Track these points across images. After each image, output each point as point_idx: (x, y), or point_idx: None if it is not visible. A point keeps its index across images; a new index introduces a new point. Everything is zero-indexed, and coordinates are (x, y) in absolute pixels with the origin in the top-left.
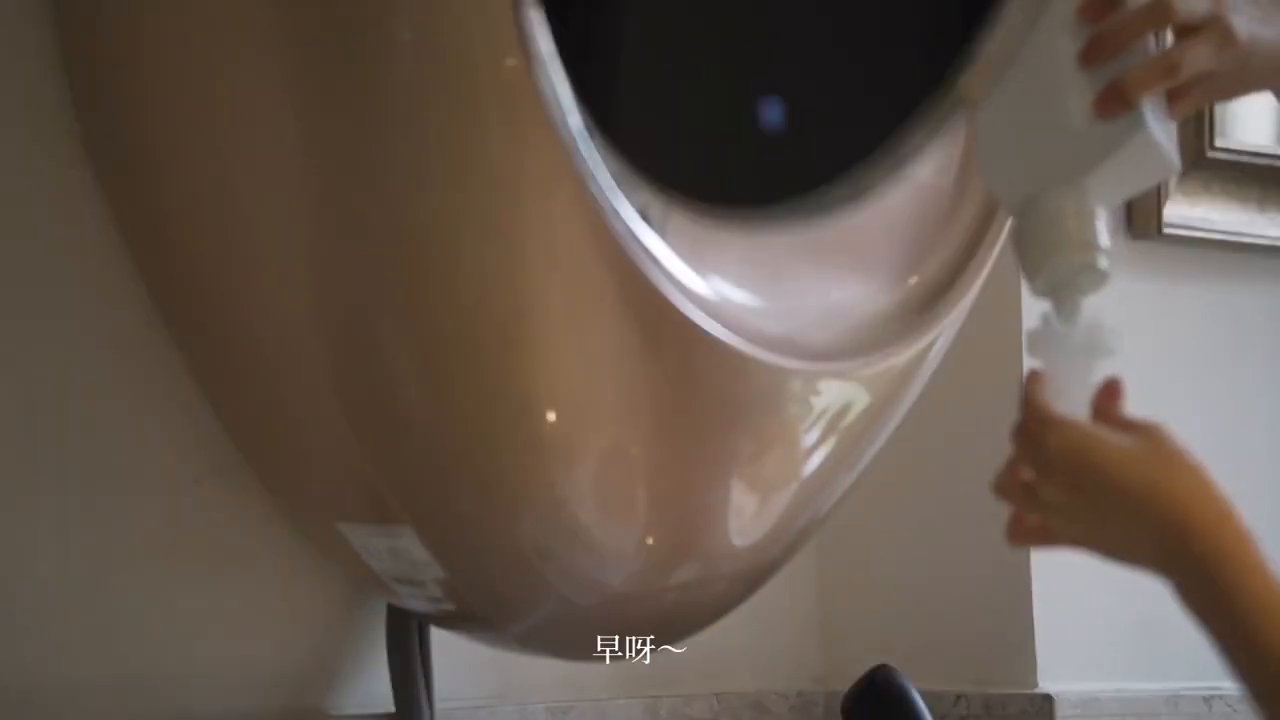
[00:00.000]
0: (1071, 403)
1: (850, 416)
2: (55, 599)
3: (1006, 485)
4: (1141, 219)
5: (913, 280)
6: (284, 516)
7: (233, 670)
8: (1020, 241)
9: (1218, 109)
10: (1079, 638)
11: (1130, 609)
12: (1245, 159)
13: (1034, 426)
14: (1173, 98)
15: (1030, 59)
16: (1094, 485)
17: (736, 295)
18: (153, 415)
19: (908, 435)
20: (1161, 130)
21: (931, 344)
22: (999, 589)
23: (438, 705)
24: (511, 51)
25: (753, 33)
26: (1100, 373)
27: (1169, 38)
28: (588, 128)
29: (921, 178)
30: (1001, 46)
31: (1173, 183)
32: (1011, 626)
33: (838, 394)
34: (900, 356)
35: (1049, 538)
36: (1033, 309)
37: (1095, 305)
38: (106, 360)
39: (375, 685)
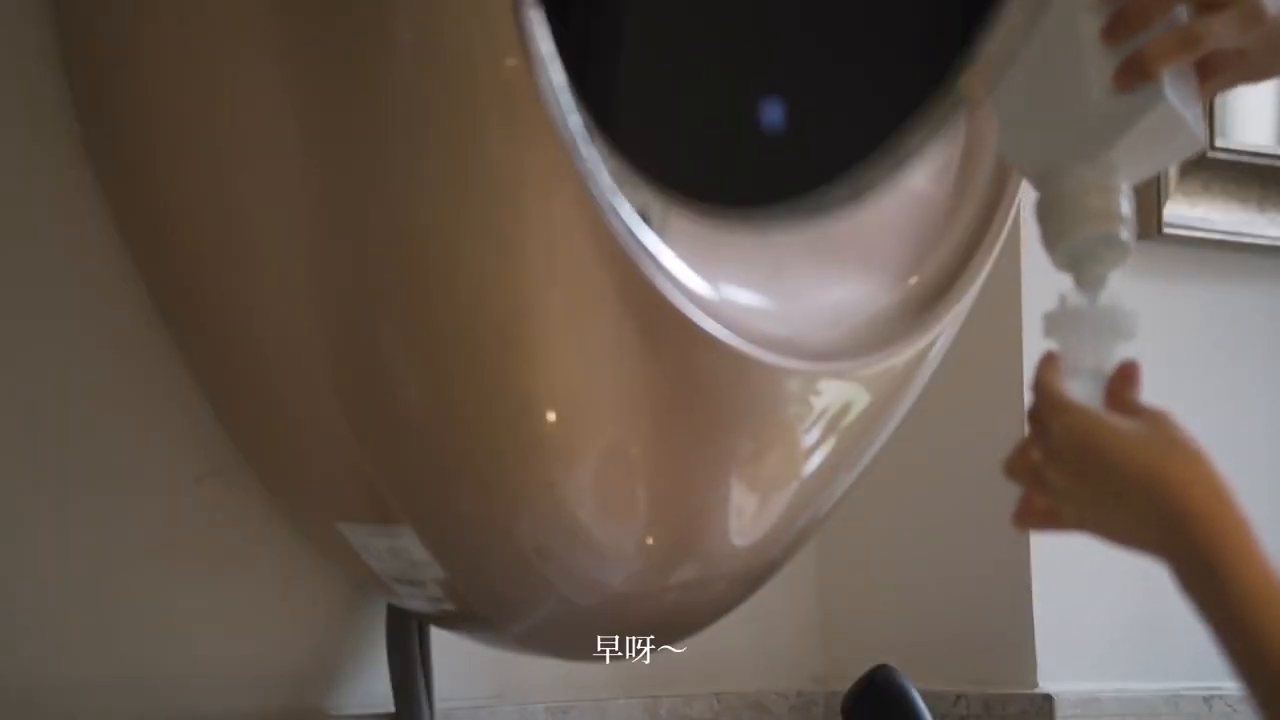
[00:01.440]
0: (1085, 386)
1: (850, 416)
2: (55, 599)
3: (1017, 466)
4: (1141, 219)
5: (913, 280)
6: (284, 516)
7: (233, 670)
8: (1042, 214)
9: (1218, 109)
10: (1079, 638)
11: (1131, 608)
12: (1245, 159)
13: (1042, 410)
14: (1204, 78)
15: (1051, 36)
16: (1098, 469)
17: (736, 295)
18: (153, 415)
19: (908, 435)
20: (1185, 105)
21: (931, 344)
22: (999, 589)
23: (438, 705)
24: (511, 51)
25: (752, 32)
26: (1117, 356)
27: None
28: (588, 128)
29: (921, 179)
30: (1001, 46)
31: (1173, 183)
32: (1011, 626)
33: (838, 394)
34: (900, 356)
35: (1055, 521)
36: (1033, 308)
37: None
38: (106, 360)
39: (375, 685)
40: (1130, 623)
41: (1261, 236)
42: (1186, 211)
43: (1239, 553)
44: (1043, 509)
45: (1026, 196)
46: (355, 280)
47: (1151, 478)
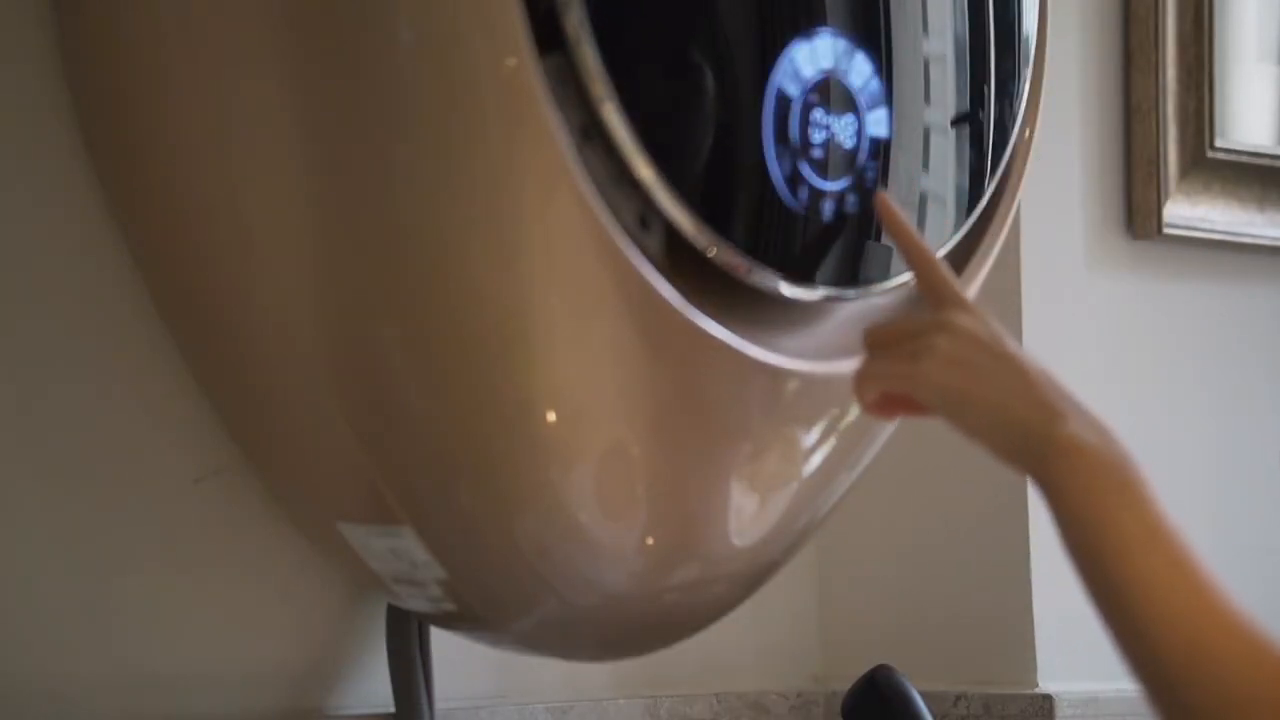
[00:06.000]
0: None
1: (850, 416)
2: (55, 599)
3: (887, 333)
4: (1141, 219)
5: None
6: (284, 516)
7: (233, 670)
8: None
9: (1218, 108)
10: (1079, 638)
11: None
12: (1245, 159)
13: (945, 296)
14: None
15: None
16: (995, 351)
17: (736, 294)
18: (153, 415)
19: (908, 435)
20: None
21: None
22: (999, 589)
23: (438, 705)
24: (511, 51)
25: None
26: None
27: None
28: (587, 128)
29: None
30: None
31: (1173, 182)
32: (1011, 626)
33: (837, 394)
34: None
35: (908, 405)
36: (1033, 308)
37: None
38: (107, 360)
39: (375, 685)
40: None
41: (1261, 236)
42: (1186, 211)
43: (1121, 496)
44: (897, 396)
45: (1026, 196)
46: (355, 280)
47: (1046, 393)
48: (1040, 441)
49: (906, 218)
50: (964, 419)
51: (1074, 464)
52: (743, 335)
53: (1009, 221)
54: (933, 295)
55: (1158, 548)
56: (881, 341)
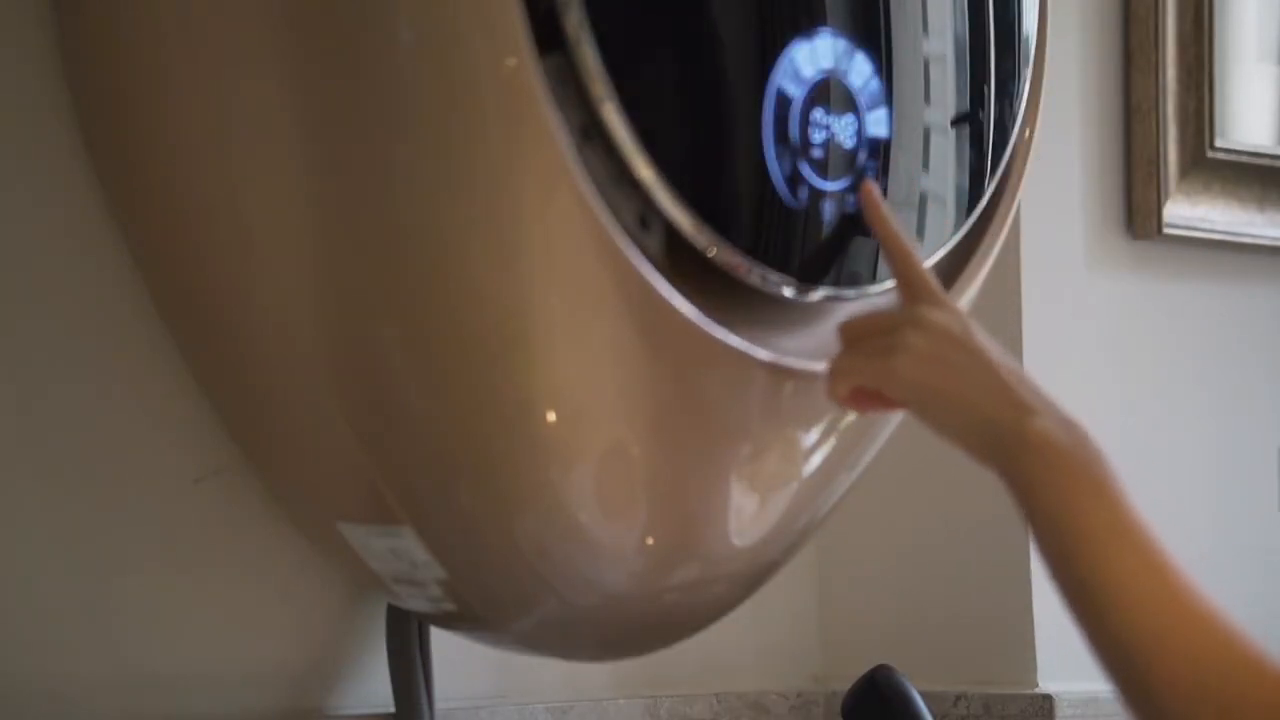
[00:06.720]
0: None
1: (850, 416)
2: (55, 599)
3: (859, 325)
4: (1141, 219)
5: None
6: (284, 516)
7: (233, 670)
8: None
9: (1218, 108)
10: (1079, 638)
11: None
12: (1245, 159)
13: (921, 293)
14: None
15: None
16: (967, 350)
17: (736, 294)
18: (153, 415)
19: (908, 435)
20: None
21: None
22: (999, 589)
23: (438, 705)
24: (511, 51)
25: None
26: None
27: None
28: (587, 128)
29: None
30: None
31: (1173, 182)
32: (1011, 626)
33: None
34: None
35: (878, 401)
36: (1033, 307)
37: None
38: (106, 361)
39: (375, 685)
40: None
41: (1261, 236)
42: (1186, 211)
43: (1088, 493)
44: (870, 392)
45: (1026, 196)
46: (355, 280)
47: (1017, 390)
48: (1011, 438)
49: (889, 210)
50: (935, 415)
51: (1046, 460)
52: (743, 335)
53: (1009, 221)
54: (908, 289)
55: (1132, 548)
56: (856, 336)
